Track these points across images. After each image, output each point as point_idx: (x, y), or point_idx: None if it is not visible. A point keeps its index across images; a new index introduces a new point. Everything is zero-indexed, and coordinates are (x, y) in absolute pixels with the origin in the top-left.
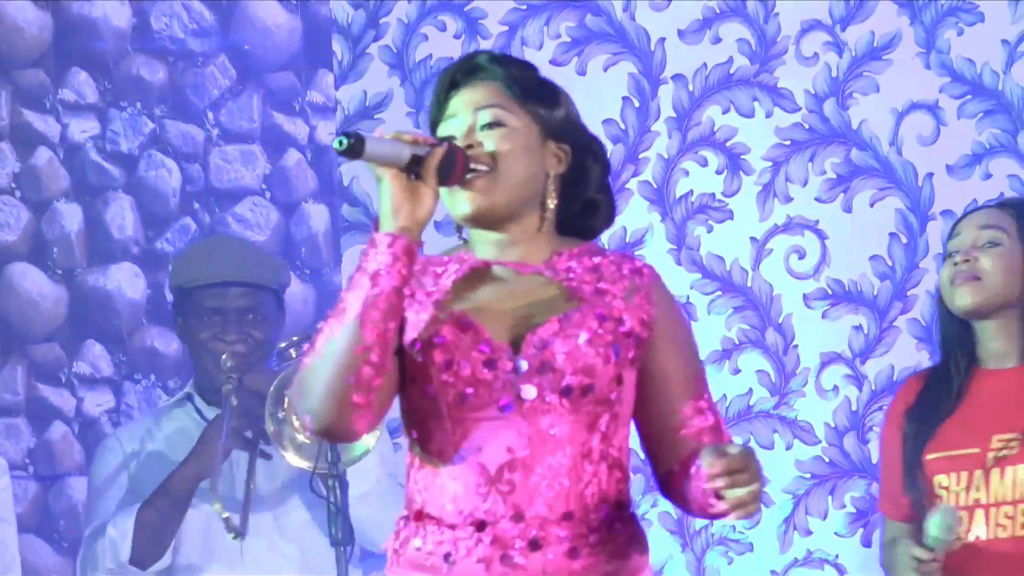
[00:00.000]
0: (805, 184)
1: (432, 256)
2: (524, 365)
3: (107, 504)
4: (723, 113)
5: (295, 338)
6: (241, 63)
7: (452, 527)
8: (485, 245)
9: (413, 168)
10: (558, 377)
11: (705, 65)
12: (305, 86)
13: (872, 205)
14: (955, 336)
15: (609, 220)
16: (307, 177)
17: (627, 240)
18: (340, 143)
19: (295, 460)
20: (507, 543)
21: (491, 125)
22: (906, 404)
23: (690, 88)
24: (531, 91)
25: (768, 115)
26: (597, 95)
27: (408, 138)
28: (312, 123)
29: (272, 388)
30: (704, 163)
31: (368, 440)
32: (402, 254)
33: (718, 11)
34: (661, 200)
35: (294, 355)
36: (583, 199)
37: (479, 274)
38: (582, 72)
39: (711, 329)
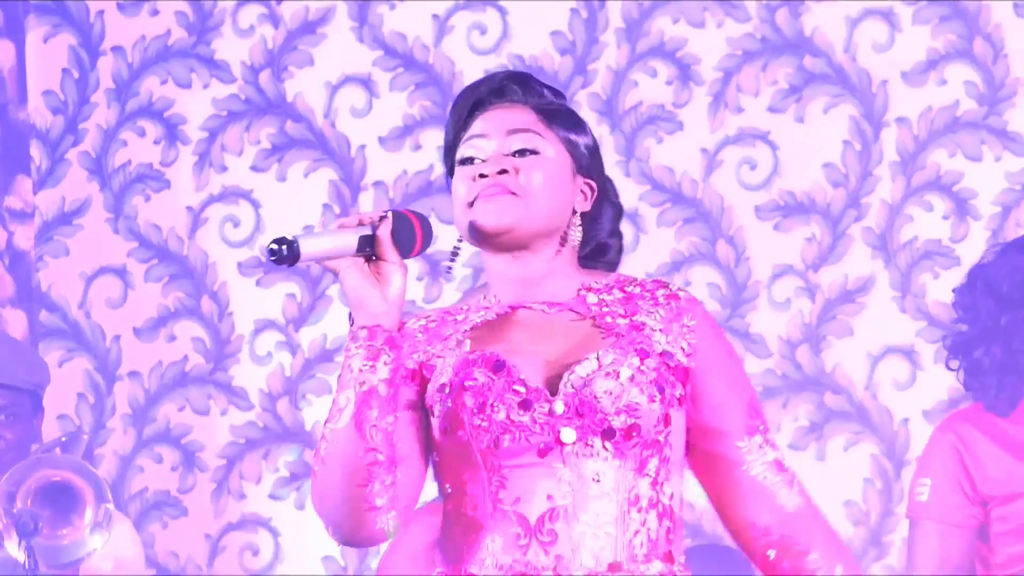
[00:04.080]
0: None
1: (449, 306)
2: (561, 407)
3: None
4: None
5: (63, 438)
6: None
7: None
8: (506, 285)
9: (368, 250)
10: (600, 418)
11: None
12: (2, 191)
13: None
14: None
15: (615, 266)
16: (4, 283)
17: None
18: (272, 252)
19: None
20: None
21: (523, 152)
22: None
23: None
24: (563, 119)
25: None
26: (296, 202)
27: (351, 222)
28: (10, 228)
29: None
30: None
31: (95, 543)
32: (383, 345)
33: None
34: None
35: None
36: (595, 240)
37: (506, 318)
38: (282, 179)
39: None
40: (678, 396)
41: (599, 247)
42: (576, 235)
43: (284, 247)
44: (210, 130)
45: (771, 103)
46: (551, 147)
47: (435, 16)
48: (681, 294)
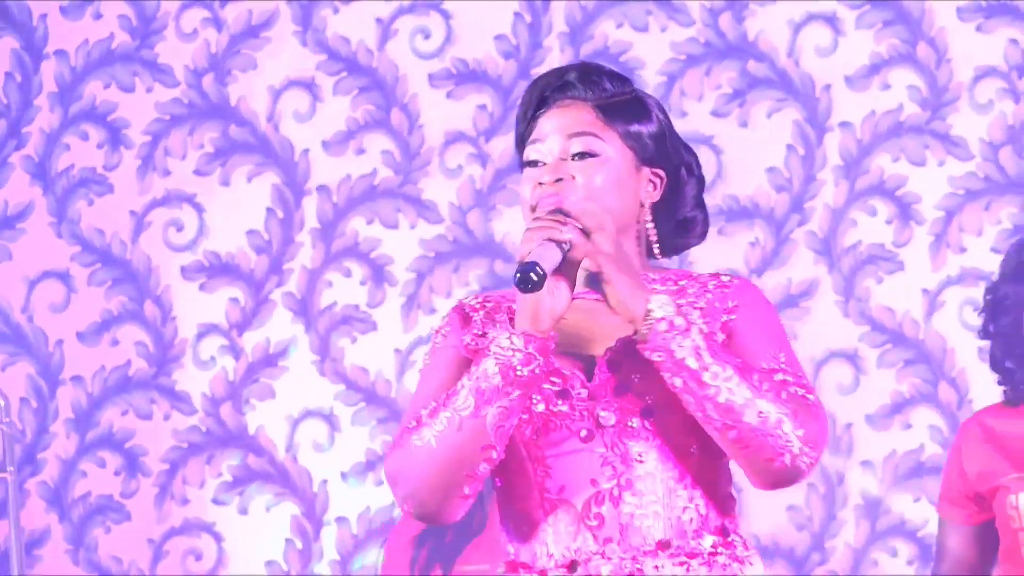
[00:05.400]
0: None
1: (508, 290)
2: (598, 391)
3: None
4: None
5: None
6: None
7: (543, 573)
8: None
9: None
10: (637, 398)
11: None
12: None
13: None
14: None
15: (703, 236)
16: None
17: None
18: (526, 281)
19: None
20: None
21: (583, 155)
22: None
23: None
24: (624, 112)
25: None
26: (239, 206)
27: (557, 234)
28: None
29: None
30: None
31: None
32: (540, 355)
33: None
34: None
35: None
36: (676, 218)
37: None
38: (226, 183)
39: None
40: None
41: (683, 223)
42: (651, 230)
43: (536, 276)
44: (153, 134)
45: (715, 107)
46: (610, 147)
47: (379, 20)
48: (734, 281)
